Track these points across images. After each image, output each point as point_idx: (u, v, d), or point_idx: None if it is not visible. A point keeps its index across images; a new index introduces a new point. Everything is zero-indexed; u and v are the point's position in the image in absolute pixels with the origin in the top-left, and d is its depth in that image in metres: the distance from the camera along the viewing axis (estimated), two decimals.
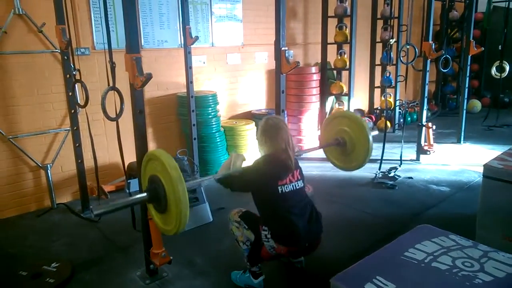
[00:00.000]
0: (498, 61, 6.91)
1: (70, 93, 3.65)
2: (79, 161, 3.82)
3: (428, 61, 5.06)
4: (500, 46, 6.73)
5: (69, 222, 3.78)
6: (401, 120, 6.94)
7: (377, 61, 7.14)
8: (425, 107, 5.18)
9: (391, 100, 6.86)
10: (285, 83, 3.26)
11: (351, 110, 6.20)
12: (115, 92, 2.77)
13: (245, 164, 2.54)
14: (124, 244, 3.32)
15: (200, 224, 3.62)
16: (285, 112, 3.38)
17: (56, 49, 3.87)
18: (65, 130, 4.09)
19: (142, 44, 4.53)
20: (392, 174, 4.71)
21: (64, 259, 3.07)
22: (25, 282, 2.79)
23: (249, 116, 5.66)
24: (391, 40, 6.53)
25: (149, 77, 2.34)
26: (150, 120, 4.70)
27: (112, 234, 3.51)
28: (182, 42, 4.47)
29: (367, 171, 4.90)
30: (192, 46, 4.26)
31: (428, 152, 5.42)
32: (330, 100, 6.62)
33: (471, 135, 6.40)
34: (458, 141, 6.15)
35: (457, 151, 5.78)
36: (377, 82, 7.19)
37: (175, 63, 4.81)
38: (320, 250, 3.08)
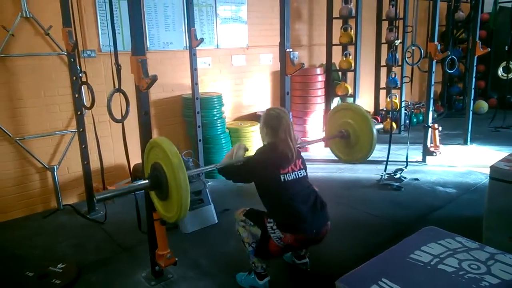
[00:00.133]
0: (505, 62, 6.87)
1: (77, 95, 3.68)
2: (85, 162, 3.84)
3: (434, 62, 5.03)
4: (506, 47, 6.69)
5: (75, 223, 3.80)
6: (407, 121, 6.91)
7: (383, 62, 7.12)
8: (431, 108, 5.16)
9: (397, 101, 6.84)
10: (290, 84, 3.26)
11: None
12: (121, 94, 2.78)
13: (247, 154, 2.58)
14: (130, 246, 3.33)
15: (205, 226, 3.62)
16: (290, 113, 3.37)
17: (62, 51, 3.90)
18: (71, 131, 4.11)
19: (148, 46, 4.55)
20: (398, 176, 4.69)
21: (70, 260, 3.08)
22: (32, 283, 2.81)
23: (254, 117, 5.66)
24: (396, 41, 6.53)
25: (154, 79, 2.34)
26: (155, 121, 4.72)
27: (118, 235, 3.52)
28: (187, 44, 4.49)
29: (373, 172, 4.89)
30: (197, 48, 4.28)
31: (434, 154, 5.40)
32: (335, 101, 6.60)
33: (477, 136, 6.35)
34: (465, 143, 6.11)
35: (464, 153, 5.75)
36: (383, 83, 7.17)
37: (180, 65, 4.82)
38: (325, 252, 3.08)
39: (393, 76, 6.83)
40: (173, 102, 4.90)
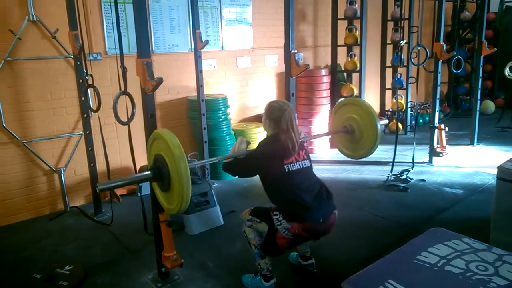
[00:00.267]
0: None
1: (83, 98, 3.70)
2: (92, 164, 3.86)
3: (440, 62, 5.01)
4: None
5: (82, 225, 3.82)
6: (413, 122, 6.88)
7: (388, 63, 7.10)
8: (437, 109, 5.14)
9: (403, 102, 6.82)
10: (295, 85, 3.27)
11: None
12: (127, 96, 2.80)
13: (250, 148, 2.61)
14: (136, 247, 3.34)
15: (211, 228, 3.62)
16: (296, 115, 3.37)
17: (69, 54, 3.93)
18: (78, 134, 4.14)
19: (153, 48, 4.56)
20: (404, 177, 4.67)
21: (77, 262, 3.10)
22: (39, 285, 2.82)
23: (260, 119, 5.61)
24: (401, 42, 6.51)
25: (159, 81, 2.35)
26: (161, 123, 4.73)
27: (124, 237, 3.54)
28: (193, 46, 4.50)
29: (379, 173, 4.88)
30: (202, 50, 4.29)
31: (441, 154, 5.37)
32: None
33: (484, 137, 6.32)
34: (472, 143, 6.07)
35: (471, 153, 5.71)
36: (388, 84, 7.15)
37: (185, 67, 4.84)
38: (331, 253, 3.08)
39: (398, 76, 6.81)
40: (179, 104, 4.92)
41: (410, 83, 6.79)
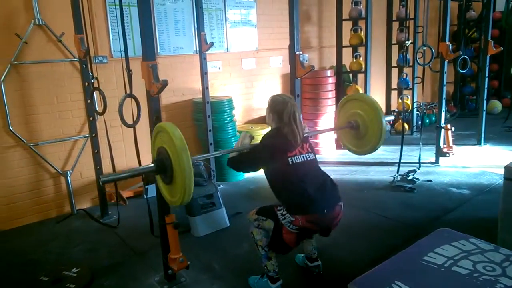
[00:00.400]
0: None
1: (89, 101, 3.72)
2: (98, 167, 3.88)
3: (446, 62, 4.99)
4: None
5: (89, 228, 3.84)
6: (419, 122, 6.85)
7: (393, 63, 7.07)
8: (443, 109, 5.11)
9: (409, 102, 6.79)
10: (300, 87, 3.26)
11: None
12: (132, 99, 2.81)
13: (253, 142, 2.64)
14: (142, 250, 3.35)
15: (217, 229, 3.63)
16: (301, 116, 3.37)
17: (74, 58, 3.96)
18: (84, 137, 4.16)
19: (158, 51, 4.58)
20: (410, 177, 4.64)
21: (84, 264, 3.11)
22: (46, 287, 2.84)
23: (265, 120, 5.64)
24: (407, 42, 6.48)
25: (165, 84, 2.36)
26: None
27: (131, 239, 3.55)
28: (197, 48, 4.52)
29: (385, 174, 4.86)
30: (207, 52, 4.30)
31: (448, 155, 5.34)
32: None
33: (491, 137, 6.28)
34: (478, 143, 6.03)
35: (477, 153, 5.68)
36: (394, 84, 7.13)
37: (190, 69, 4.85)
38: (338, 254, 3.07)
39: (404, 77, 6.78)
40: (184, 106, 4.93)
41: (416, 83, 6.76)
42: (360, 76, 6.45)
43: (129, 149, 4.42)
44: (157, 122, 2.57)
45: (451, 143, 5.40)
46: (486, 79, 5.90)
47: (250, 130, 5.12)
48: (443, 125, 5.17)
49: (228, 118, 4.87)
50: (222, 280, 2.87)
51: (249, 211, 2.73)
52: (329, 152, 5.88)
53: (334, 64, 6.42)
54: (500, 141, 6.17)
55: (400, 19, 6.75)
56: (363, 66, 6.15)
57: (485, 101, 5.95)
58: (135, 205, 4.28)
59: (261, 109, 5.78)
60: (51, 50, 3.91)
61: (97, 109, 3.86)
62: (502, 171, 2.79)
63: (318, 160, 2.65)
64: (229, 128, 4.88)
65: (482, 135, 6.00)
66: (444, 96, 5.05)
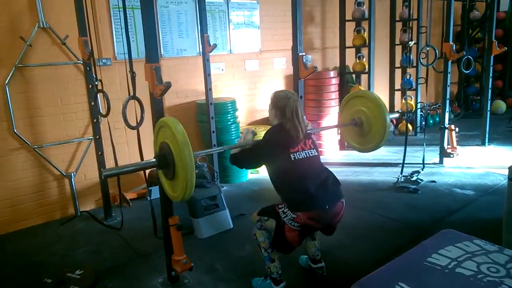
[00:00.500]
0: None
1: (93, 103, 3.73)
2: (102, 169, 3.89)
3: (449, 62, 4.97)
4: None
5: (92, 230, 3.85)
6: (423, 122, 6.83)
7: (397, 64, 7.06)
8: (447, 109, 5.09)
9: (412, 102, 6.77)
10: (304, 88, 3.26)
11: None
12: (136, 101, 2.82)
13: (256, 138, 2.66)
14: (146, 251, 3.35)
15: (221, 231, 3.63)
16: (304, 117, 3.37)
17: (78, 60, 3.97)
18: (87, 139, 4.18)
19: (162, 53, 4.60)
20: (414, 178, 4.63)
21: (88, 266, 3.12)
22: None
23: (268, 122, 5.63)
24: (410, 42, 6.47)
25: (168, 86, 2.37)
26: None
27: (134, 241, 3.56)
28: (201, 50, 4.52)
29: (389, 175, 4.84)
30: (210, 53, 4.31)
31: (452, 155, 5.32)
32: None
33: (495, 137, 6.25)
34: (483, 143, 6.00)
35: (482, 154, 5.65)
36: (397, 85, 7.11)
37: (194, 71, 4.86)
38: (341, 256, 3.07)
39: (408, 77, 6.76)
40: (187, 108, 4.94)
41: (420, 83, 6.74)
42: (364, 77, 6.44)
43: (133, 150, 4.43)
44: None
45: (455, 144, 5.38)
46: (490, 79, 5.87)
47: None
48: (447, 126, 5.15)
49: (232, 120, 4.88)
50: (225, 281, 2.87)
51: (252, 212, 2.73)
52: (332, 153, 5.87)
53: (337, 65, 6.42)
54: (505, 141, 6.14)
55: (404, 19, 6.73)
56: (367, 66, 6.14)
57: (489, 101, 5.93)
58: (139, 207, 4.29)
59: (265, 111, 5.77)
60: (55, 53, 3.93)
61: (101, 111, 3.88)
62: (506, 172, 2.77)
63: (321, 161, 2.64)
64: (233, 130, 4.88)
65: (486, 136, 5.97)
66: (448, 96, 5.04)
